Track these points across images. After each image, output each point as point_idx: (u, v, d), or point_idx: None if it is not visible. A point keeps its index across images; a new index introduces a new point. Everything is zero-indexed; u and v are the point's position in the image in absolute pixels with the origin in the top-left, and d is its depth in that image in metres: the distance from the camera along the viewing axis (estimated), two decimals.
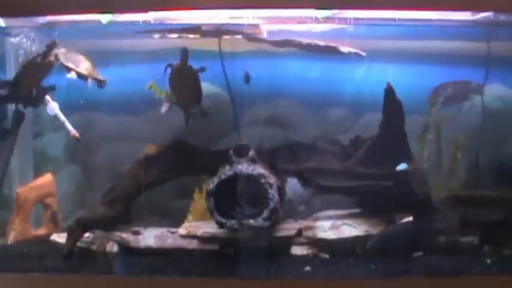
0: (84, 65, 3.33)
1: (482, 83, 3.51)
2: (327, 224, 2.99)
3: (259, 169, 2.84)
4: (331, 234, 2.92)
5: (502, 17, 3.01)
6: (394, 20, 3.00)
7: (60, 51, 3.26)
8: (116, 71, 3.47)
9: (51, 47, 3.21)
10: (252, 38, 3.31)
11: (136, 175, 3.08)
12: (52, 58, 3.23)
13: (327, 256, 2.88)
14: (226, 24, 3.18)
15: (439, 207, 2.93)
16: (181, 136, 3.21)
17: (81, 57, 3.34)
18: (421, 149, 3.30)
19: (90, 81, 3.33)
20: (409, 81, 3.45)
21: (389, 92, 2.92)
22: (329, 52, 3.29)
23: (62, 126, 3.30)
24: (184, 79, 3.26)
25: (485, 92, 3.54)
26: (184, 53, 3.19)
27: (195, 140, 3.20)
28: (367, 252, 2.83)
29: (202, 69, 3.23)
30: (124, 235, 3.00)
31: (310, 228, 2.96)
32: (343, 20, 3.05)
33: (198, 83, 3.29)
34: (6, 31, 3.38)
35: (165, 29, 3.29)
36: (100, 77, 3.39)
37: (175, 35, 3.36)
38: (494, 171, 3.48)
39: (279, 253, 2.86)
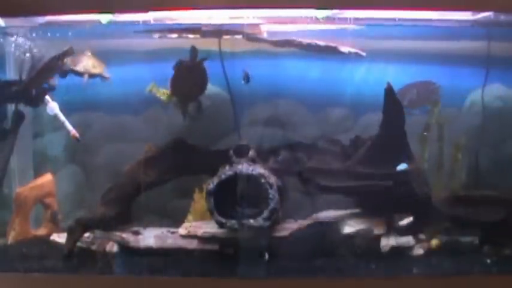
0: (83, 63, 3.34)
1: (483, 83, 3.51)
2: None
3: (259, 169, 2.84)
4: None
5: (502, 17, 3.01)
6: (394, 20, 3.00)
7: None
8: (116, 71, 3.47)
9: (67, 53, 3.23)
10: (252, 38, 3.31)
11: (136, 175, 3.08)
12: (63, 63, 3.27)
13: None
14: (226, 24, 3.18)
15: (438, 207, 2.93)
16: (181, 136, 3.21)
17: (84, 56, 3.37)
18: (421, 149, 3.29)
19: (86, 79, 3.34)
20: (409, 81, 3.45)
21: (389, 92, 2.92)
22: (329, 52, 3.29)
23: (62, 126, 3.30)
24: (193, 77, 3.28)
25: (485, 92, 3.55)
26: (194, 52, 3.26)
27: (195, 140, 3.20)
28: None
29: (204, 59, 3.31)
30: (124, 235, 3.00)
31: None
32: (343, 20, 3.05)
33: (206, 81, 3.34)
34: (6, 31, 3.38)
35: (165, 29, 3.29)
36: (105, 74, 3.44)
37: (175, 35, 3.36)
38: (494, 171, 3.48)
39: (279, 253, 2.86)
